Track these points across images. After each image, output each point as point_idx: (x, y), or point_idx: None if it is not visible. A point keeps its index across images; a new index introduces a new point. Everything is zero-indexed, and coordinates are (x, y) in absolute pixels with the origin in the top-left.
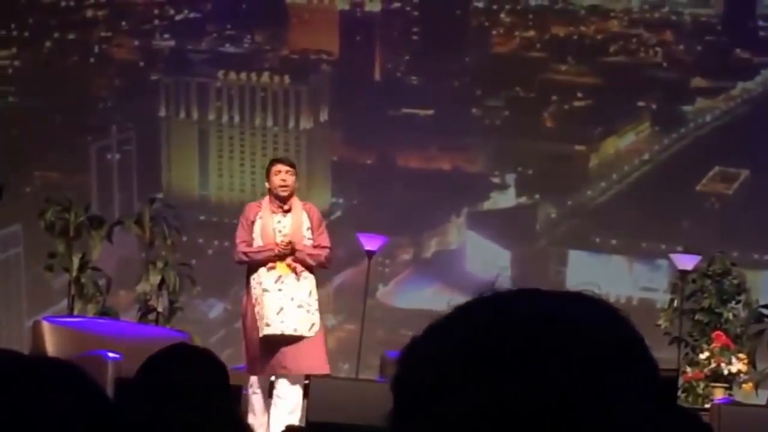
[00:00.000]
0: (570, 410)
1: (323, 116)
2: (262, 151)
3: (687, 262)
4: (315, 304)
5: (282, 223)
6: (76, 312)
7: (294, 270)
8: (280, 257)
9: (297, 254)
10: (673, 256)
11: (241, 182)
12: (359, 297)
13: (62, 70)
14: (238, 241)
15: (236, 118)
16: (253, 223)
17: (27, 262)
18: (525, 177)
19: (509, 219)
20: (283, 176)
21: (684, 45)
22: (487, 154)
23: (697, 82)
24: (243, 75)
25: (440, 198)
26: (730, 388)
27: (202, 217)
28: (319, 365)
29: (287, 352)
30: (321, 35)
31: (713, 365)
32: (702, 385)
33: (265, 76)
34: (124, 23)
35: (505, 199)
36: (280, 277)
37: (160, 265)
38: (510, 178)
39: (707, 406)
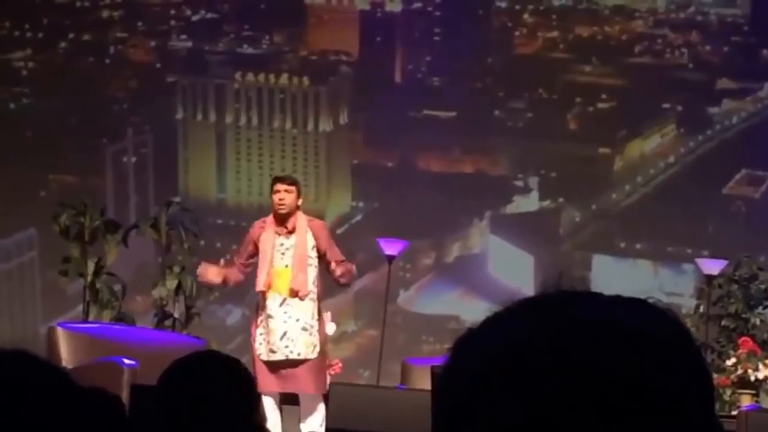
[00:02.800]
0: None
1: (343, 118)
2: (281, 153)
3: (713, 266)
4: (317, 326)
5: (284, 245)
6: (91, 318)
7: (296, 294)
8: (281, 282)
9: (342, 282)
10: (698, 260)
11: (259, 185)
12: (380, 302)
13: (77, 72)
14: (239, 254)
15: (254, 120)
16: (255, 242)
17: (41, 267)
18: (548, 180)
19: (532, 223)
20: (281, 195)
21: (710, 45)
22: (509, 157)
23: (724, 83)
24: (261, 76)
25: (462, 201)
26: (757, 395)
27: (219, 221)
28: (320, 386)
29: (290, 373)
30: (340, 36)
31: (740, 371)
32: (729, 391)
33: (284, 78)
34: (140, 24)
35: (529, 203)
36: (284, 300)
37: (176, 269)
38: (533, 181)
39: (734, 413)
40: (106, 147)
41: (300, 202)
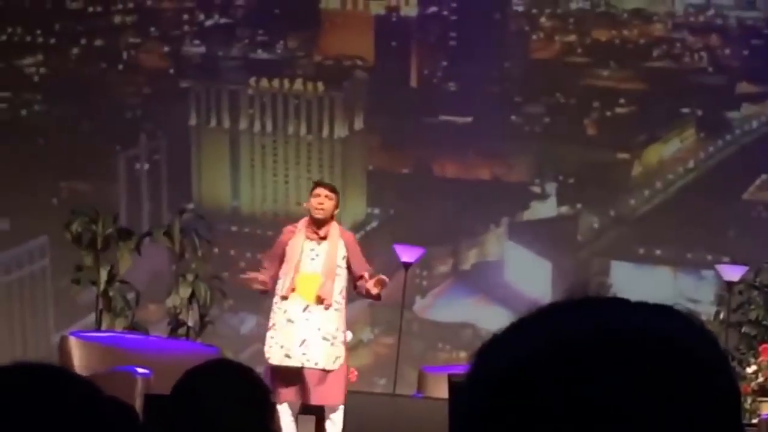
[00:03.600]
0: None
1: (358, 124)
2: (296, 160)
3: (733, 272)
4: (341, 337)
5: (315, 251)
6: (104, 326)
7: (322, 302)
8: (307, 287)
9: (376, 293)
10: (719, 266)
11: (274, 193)
12: (396, 310)
13: (90, 78)
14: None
15: (268, 127)
16: (285, 245)
17: (53, 275)
18: (566, 186)
19: (550, 229)
20: (321, 200)
21: (730, 49)
22: (527, 162)
23: (744, 87)
24: (275, 82)
25: (479, 208)
26: None
27: (233, 228)
28: (339, 398)
29: (310, 384)
30: (355, 41)
31: (761, 379)
32: (749, 399)
33: (298, 83)
34: (152, 29)
35: (546, 209)
36: (307, 306)
37: (190, 278)
38: (551, 187)
39: (755, 421)
40: (119, 154)
41: (337, 211)
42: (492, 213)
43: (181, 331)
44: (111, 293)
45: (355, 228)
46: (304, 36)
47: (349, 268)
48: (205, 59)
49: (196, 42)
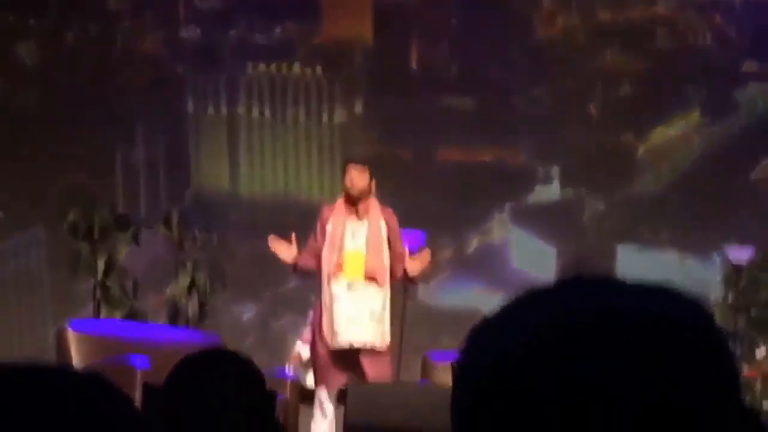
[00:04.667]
0: (648, 405)
1: (358, 108)
2: (294, 145)
3: (741, 254)
4: (387, 316)
5: (356, 229)
6: (102, 317)
7: (374, 279)
8: (350, 266)
9: (416, 274)
10: (726, 248)
11: (273, 179)
12: (398, 297)
13: (85, 65)
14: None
15: (267, 113)
16: (324, 226)
17: (50, 266)
18: (570, 169)
19: (554, 213)
20: (352, 176)
21: (735, 28)
22: (530, 146)
23: (749, 66)
24: (273, 66)
25: (482, 192)
26: None
27: (232, 216)
28: (386, 376)
29: (357, 364)
30: (354, 23)
31: None
32: (759, 384)
33: (297, 67)
34: (148, 14)
35: (550, 193)
36: (352, 285)
37: (189, 266)
38: (554, 170)
39: (766, 404)
40: (116, 142)
41: (373, 186)
42: (495, 197)
43: (181, 320)
44: (109, 283)
45: None
46: (302, 19)
47: (389, 246)
48: (202, 44)
49: (193, 27)
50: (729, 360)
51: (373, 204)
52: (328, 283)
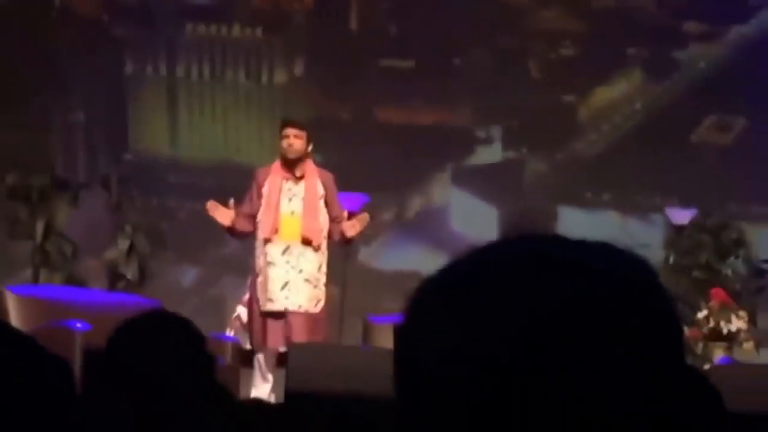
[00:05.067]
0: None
1: (298, 70)
2: (234, 107)
3: (682, 216)
4: (323, 279)
5: (292, 191)
6: (41, 281)
7: (309, 242)
8: (286, 229)
9: (353, 235)
10: (667, 210)
11: (212, 141)
12: (339, 260)
13: (20, 25)
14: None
15: (206, 74)
16: (261, 188)
17: None
18: (511, 130)
19: (496, 175)
20: (290, 140)
21: None
22: (471, 107)
23: (691, 26)
24: (213, 27)
25: (423, 154)
26: (730, 348)
27: (172, 178)
28: (318, 338)
29: (289, 328)
30: None
31: (712, 324)
32: (701, 345)
33: (236, 29)
34: None
35: (491, 154)
36: (288, 248)
37: (129, 229)
38: (496, 131)
39: (707, 367)
40: (53, 104)
41: (310, 148)
42: (436, 159)
43: (121, 284)
44: (48, 247)
45: None
46: None
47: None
48: (140, 5)
49: None
50: (673, 318)
51: (310, 166)
52: (264, 246)
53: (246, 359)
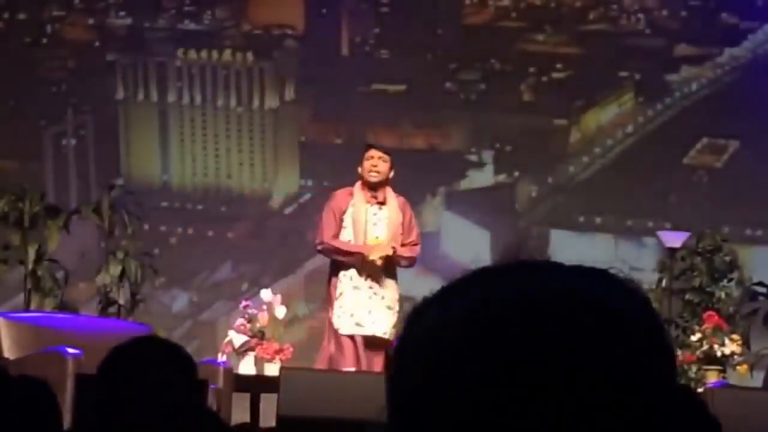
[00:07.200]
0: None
1: (289, 94)
2: (226, 132)
3: (675, 239)
4: (398, 306)
5: (377, 216)
6: (32, 307)
7: (385, 269)
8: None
9: (395, 257)
10: (660, 233)
11: (204, 166)
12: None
13: (12, 52)
14: (324, 229)
15: (197, 99)
16: (344, 212)
17: None
18: (503, 153)
19: (488, 198)
20: (375, 162)
21: (667, 10)
22: (462, 131)
23: (682, 49)
24: (204, 53)
25: (415, 177)
26: (723, 371)
27: (164, 204)
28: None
29: (371, 351)
30: (284, 9)
31: (705, 347)
32: (694, 368)
33: (227, 54)
34: (77, 1)
35: (483, 178)
36: (370, 275)
37: (120, 255)
38: (487, 155)
39: (700, 390)
40: (45, 130)
41: (392, 174)
42: (428, 183)
43: (112, 309)
44: (39, 272)
45: (288, 200)
46: (231, 5)
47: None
48: (131, 31)
49: (122, 14)
50: (664, 341)
51: (390, 191)
52: (350, 271)
53: (238, 384)
